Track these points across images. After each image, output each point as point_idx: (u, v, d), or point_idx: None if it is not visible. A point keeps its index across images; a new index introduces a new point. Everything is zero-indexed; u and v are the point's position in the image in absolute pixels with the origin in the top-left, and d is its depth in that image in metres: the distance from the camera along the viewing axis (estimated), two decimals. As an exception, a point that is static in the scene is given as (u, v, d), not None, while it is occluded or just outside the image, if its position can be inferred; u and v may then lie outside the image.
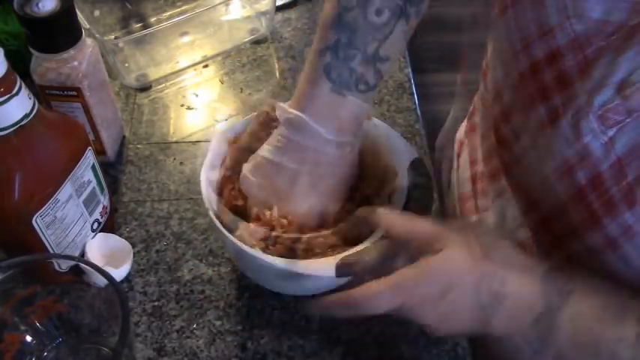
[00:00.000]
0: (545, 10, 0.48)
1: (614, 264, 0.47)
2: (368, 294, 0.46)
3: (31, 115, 0.51)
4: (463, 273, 0.46)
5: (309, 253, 0.54)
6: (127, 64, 0.84)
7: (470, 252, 0.46)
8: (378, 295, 0.46)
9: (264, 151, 0.56)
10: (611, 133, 0.44)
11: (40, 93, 0.65)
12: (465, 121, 0.80)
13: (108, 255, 0.64)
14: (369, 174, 0.60)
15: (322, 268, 0.51)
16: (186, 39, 0.88)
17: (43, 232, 0.56)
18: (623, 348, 0.43)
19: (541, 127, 0.51)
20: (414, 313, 0.47)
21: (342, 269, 0.51)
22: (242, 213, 0.57)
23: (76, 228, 0.60)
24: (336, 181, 0.57)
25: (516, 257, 0.48)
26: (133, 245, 0.66)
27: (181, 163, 0.75)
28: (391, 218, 0.51)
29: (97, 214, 0.64)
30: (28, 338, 0.55)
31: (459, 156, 0.79)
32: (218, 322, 0.62)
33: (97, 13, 0.87)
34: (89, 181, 0.61)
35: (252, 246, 0.54)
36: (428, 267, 0.46)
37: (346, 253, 0.52)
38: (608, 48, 0.45)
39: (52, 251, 0.58)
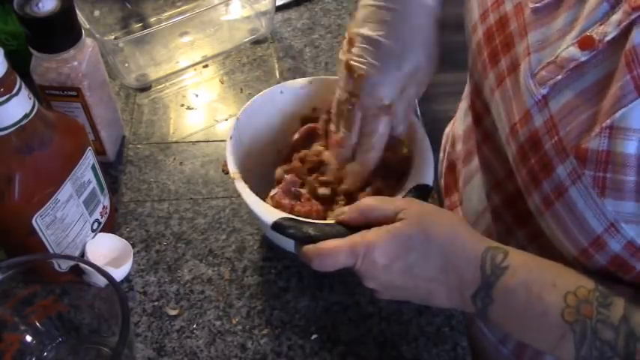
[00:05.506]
0: None
1: (550, 226, 0.48)
2: (326, 250, 0.50)
3: (31, 115, 0.51)
4: (412, 247, 0.48)
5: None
6: (127, 64, 0.84)
7: (419, 227, 0.49)
8: (335, 253, 0.50)
9: None
10: (544, 91, 0.46)
11: (40, 93, 0.65)
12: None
13: (108, 255, 0.64)
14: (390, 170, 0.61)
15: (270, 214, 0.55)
16: (186, 39, 0.88)
17: (43, 232, 0.56)
18: (547, 321, 0.46)
19: (492, 91, 0.53)
20: (361, 276, 0.50)
21: (276, 227, 0.53)
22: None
23: (76, 228, 0.60)
24: None
25: (462, 233, 0.50)
26: (133, 245, 0.66)
27: (181, 163, 0.75)
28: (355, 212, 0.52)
29: (97, 214, 0.64)
30: (28, 338, 0.55)
31: (444, 150, 0.80)
32: (218, 322, 0.62)
33: (97, 13, 0.87)
34: (89, 181, 0.61)
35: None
36: (379, 236, 0.49)
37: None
38: (543, 9, 0.47)
39: (52, 251, 0.58)
